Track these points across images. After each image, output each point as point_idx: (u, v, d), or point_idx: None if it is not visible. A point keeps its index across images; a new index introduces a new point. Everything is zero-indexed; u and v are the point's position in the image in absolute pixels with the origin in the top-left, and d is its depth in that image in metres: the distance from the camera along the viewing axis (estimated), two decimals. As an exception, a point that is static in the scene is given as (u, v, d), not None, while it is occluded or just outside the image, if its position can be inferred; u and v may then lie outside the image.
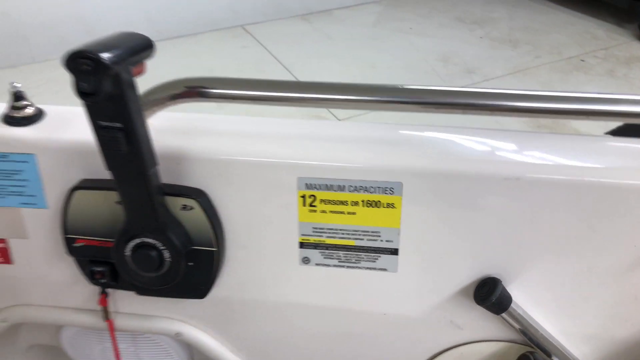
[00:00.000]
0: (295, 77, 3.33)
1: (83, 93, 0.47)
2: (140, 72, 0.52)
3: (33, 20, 3.80)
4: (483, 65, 3.35)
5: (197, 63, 3.62)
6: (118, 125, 0.51)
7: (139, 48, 0.50)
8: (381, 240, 0.62)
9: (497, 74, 3.26)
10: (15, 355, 0.87)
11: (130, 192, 0.57)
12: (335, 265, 0.65)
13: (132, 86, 0.51)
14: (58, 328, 0.81)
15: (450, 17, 4.07)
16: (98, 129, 0.51)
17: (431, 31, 3.86)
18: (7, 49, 3.77)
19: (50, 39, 3.86)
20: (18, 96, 0.64)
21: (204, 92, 0.58)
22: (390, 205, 0.60)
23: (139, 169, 0.55)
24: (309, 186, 0.60)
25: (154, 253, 0.61)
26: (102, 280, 0.67)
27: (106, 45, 0.47)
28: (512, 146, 0.61)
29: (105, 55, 0.46)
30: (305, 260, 0.65)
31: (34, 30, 3.80)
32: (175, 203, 0.61)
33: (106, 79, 0.47)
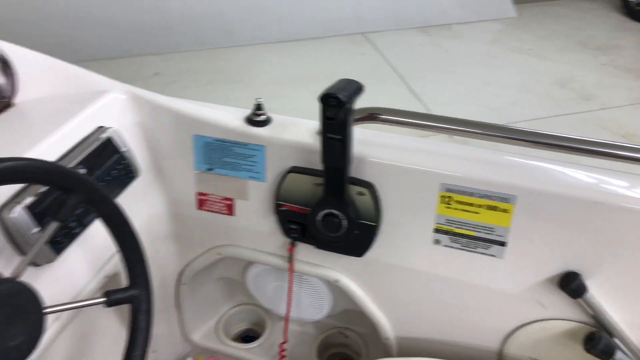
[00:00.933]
0: (409, 87, 3.57)
1: (328, 117, 0.78)
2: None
3: (179, 14, 4.34)
4: (602, 93, 3.36)
5: (319, 66, 3.99)
6: (339, 137, 0.81)
7: (356, 90, 0.81)
8: (494, 234, 0.88)
9: (616, 104, 3.26)
10: (209, 282, 1.22)
11: (331, 179, 0.88)
12: (458, 248, 0.92)
13: (351, 114, 0.81)
14: (247, 266, 1.15)
15: (573, 41, 4.09)
16: (326, 139, 0.82)
17: (550, 54, 3.92)
18: (156, 38, 4.35)
19: (192, 32, 4.40)
20: (258, 106, 0.98)
21: (380, 117, 0.87)
22: (505, 210, 0.86)
23: (342, 166, 0.85)
24: (448, 189, 0.88)
25: (336, 220, 0.91)
26: (294, 235, 0.99)
27: (343, 90, 0.78)
28: (600, 178, 0.84)
29: (343, 96, 0.77)
30: (437, 242, 0.93)
31: (179, 23, 4.34)
32: (354, 189, 0.91)
33: (342, 111, 0.77)
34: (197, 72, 4.05)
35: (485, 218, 0.88)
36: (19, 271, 0.69)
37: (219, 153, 1.00)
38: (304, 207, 0.95)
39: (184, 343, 1.24)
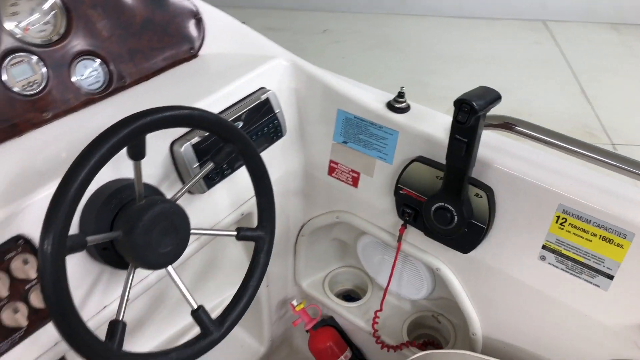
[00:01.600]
0: (580, 87, 3.31)
1: (458, 121, 0.83)
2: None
3: None
4: None
5: (488, 49, 3.84)
6: (465, 140, 0.86)
7: (493, 101, 0.84)
8: (603, 266, 0.87)
9: None
10: (324, 240, 1.35)
11: (451, 176, 0.93)
12: (562, 269, 0.92)
13: (482, 122, 0.85)
14: (359, 234, 1.25)
15: None
16: (453, 139, 0.87)
17: None
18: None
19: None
20: (400, 94, 1.05)
21: (514, 128, 0.89)
22: (619, 245, 0.84)
23: (463, 167, 0.90)
24: (565, 211, 0.88)
25: (448, 215, 0.96)
26: (407, 218, 1.06)
27: (479, 98, 0.82)
28: None
29: (477, 105, 0.81)
30: (542, 258, 0.94)
31: None
32: (472, 190, 0.95)
33: (473, 117, 0.82)
34: (363, 34, 4.15)
35: (598, 247, 0.87)
36: (178, 196, 0.86)
37: (356, 129, 1.09)
38: (421, 195, 1.02)
39: (293, 286, 1.40)
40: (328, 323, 1.38)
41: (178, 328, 1.14)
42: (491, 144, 0.96)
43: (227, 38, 1.15)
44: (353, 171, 1.13)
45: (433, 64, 3.69)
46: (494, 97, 0.84)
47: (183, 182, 0.96)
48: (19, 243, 0.76)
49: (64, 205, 0.67)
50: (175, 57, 1.08)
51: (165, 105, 0.77)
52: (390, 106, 1.05)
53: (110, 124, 0.72)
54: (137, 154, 0.77)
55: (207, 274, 1.19)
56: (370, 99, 1.08)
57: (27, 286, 0.78)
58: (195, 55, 1.12)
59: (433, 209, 0.98)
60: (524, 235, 0.95)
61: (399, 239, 1.11)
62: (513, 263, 0.98)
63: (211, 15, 1.13)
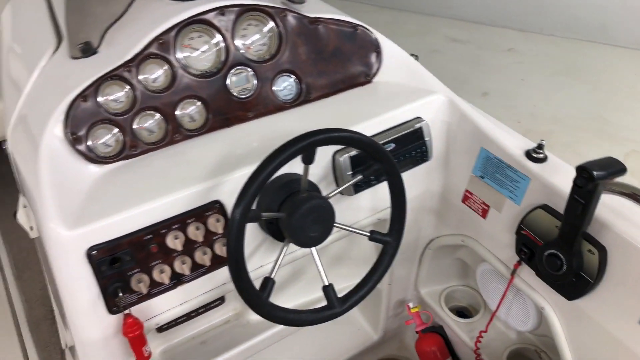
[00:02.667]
0: None
1: (577, 184, 0.94)
2: None
3: None
4: None
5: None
6: (582, 201, 0.96)
7: (615, 173, 0.92)
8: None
9: None
10: (448, 257, 1.50)
11: (567, 229, 1.03)
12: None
13: (600, 189, 0.94)
14: (479, 260, 1.38)
15: None
16: (571, 198, 0.97)
17: None
18: (524, 14, 4.37)
19: (563, 17, 4.25)
20: (540, 146, 1.15)
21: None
22: None
23: (578, 224, 0.99)
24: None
25: (559, 262, 1.06)
26: (522, 256, 1.17)
27: (602, 168, 0.91)
28: None
29: (597, 174, 0.91)
30: (643, 325, 0.99)
31: (553, 4, 4.24)
32: (586, 245, 1.04)
33: (591, 184, 0.92)
34: (551, 58, 4.03)
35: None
36: (331, 195, 1.09)
37: (494, 168, 1.22)
38: (538, 239, 1.12)
39: (413, 290, 1.58)
40: (437, 330, 1.53)
41: (310, 298, 1.40)
42: (614, 206, 1.03)
43: (398, 69, 1.35)
44: (484, 204, 1.27)
45: (622, 101, 3.47)
46: (617, 170, 0.93)
47: (337, 184, 1.19)
48: (216, 206, 1.06)
49: (253, 188, 0.94)
50: (353, 81, 1.32)
51: (336, 127, 1.01)
52: (529, 154, 1.17)
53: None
54: (309, 160, 1.01)
55: (340, 261, 1.43)
56: (512, 144, 1.20)
57: (215, 237, 1.08)
58: (369, 81, 1.34)
59: (546, 254, 1.08)
60: (630, 298, 1.01)
61: (513, 273, 1.22)
62: (614, 321, 1.04)
63: (389, 49, 1.34)
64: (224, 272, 1.12)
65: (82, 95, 1.04)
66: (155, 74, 1.12)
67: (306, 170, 1.04)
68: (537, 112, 3.57)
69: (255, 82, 1.21)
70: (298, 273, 1.35)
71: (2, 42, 1.52)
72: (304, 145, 0.96)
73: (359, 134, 1.02)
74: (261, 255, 1.17)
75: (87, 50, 1.14)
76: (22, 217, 1.26)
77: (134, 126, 1.10)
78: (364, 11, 4.96)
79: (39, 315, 1.74)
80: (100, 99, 1.06)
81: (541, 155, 1.16)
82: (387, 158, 1.07)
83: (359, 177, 1.11)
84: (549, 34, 4.36)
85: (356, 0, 5.07)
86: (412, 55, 1.40)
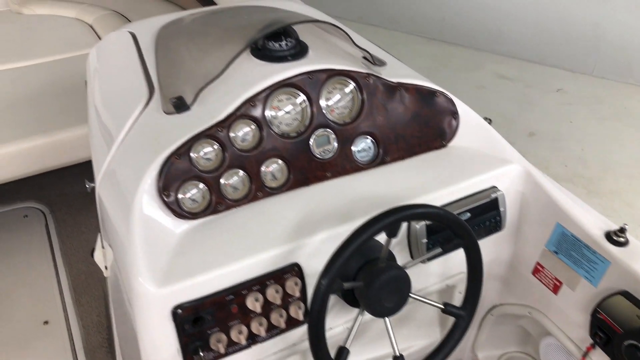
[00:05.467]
0: None
1: None
2: None
3: (614, 39, 4.16)
4: None
5: None
6: None
7: None
8: None
9: None
10: (510, 324, 1.48)
11: None
12: None
13: None
14: (545, 333, 1.36)
15: None
16: None
17: None
18: (574, 55, 4.33)
19: (620, 60, 4.20)
20: (622, 229, 1.14)
21: None
22: None
23: None
24: None
25: (638, 354, 1.04)
26: (597, 340, 1.15)
27: None
28: None
29: None
30: None
31: (609, 46, 4.19)
32: None
33: None
34: (601, 102, 3.96)
35: None
36: (409, 266, 1.10)
37: (570, 245, 1.21)
38: (617, 326, 1.10)
39: (469, 352, 1.56)
40: (492, 395, 1.51)
41: (372, 356, 1.40)
42: None
43: (473, 135, 1.36)
44: (557, 279, 1.25)
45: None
46: None
47: (410, 248, 1.20)
48: (295, 269, 1.08)
49: (339, 262, 0.95)
50: (428, 145, 1.32)
51: (418, 199, 1.01)
52: (609, 236, 1.15)
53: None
54: (393, 233, 1.02)
55: (403, 321, 1.43)
56: (591, 223, 1.19)
57: (290, 299, 1.09)
58: (444, 146, 1.34)
59: (626, 344, 1.07)
60: None
61: (584, 355, 1.20)
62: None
63: (465, 114, 1.34)
64: (296, 333, 1.13)
65: (177, 153, 1.08)
66: (244, 134, 1.15)
67: (388, 242, 1.05)
68: (585, 156, 3.51)
69: (335, 144, 1.22)
70: (363, 330, 1.35)
71: (89, 82, 1.58)
72: (392, 221, 0.98)
73: (447, 212, 1.03)
74: (331, 318, 1.18)
75: (180, 106, 1.17)
76: (98, 256, 1.29)
77: (221, 183, 1.13)
78: (412, 42, 4.99)
79: (95, 342, 1.78)
80: (192, 156, 1.10)
81: (622, 239, 1.14)
82: (469, 234, 1.07)
83: (439, 250, 1.12)
84: (600, 76, 4.31)
85: (405, 31, 5.10)
86: (485, 118, 1.41)
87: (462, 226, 1.05)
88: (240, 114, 1.13)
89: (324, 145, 1.22)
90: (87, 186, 1.37)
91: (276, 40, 1.23)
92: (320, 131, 1.21)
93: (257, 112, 1.15)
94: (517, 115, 3.93)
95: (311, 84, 1.19)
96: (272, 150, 1.17)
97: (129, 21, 2.59)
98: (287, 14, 1.38)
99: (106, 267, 1.31)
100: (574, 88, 4.22)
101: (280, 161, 1.18)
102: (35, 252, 2.10)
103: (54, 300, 1.93)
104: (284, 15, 1.34)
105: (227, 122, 1.12)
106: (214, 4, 2.48)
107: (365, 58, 1.32)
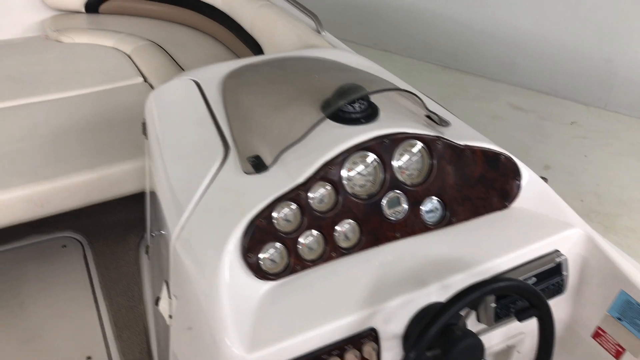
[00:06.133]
0: None
1: None
2: None
3: (629, 73, 4.23)
4: None
5: None
6: None
7: None
8: None
9: None
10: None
11: None
12: None
13: None
14: None
15: None
16: None
17: None
18: (588, 89, 4.41)
19: (631, 95, 4.27)
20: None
21: None
22: None
23: None
24: None
25: None
26: None
27: None
28: None
29: None
30: None
31: (625, 81, 4.26)
32: None
33: None
34: (616, 137, 4.02)
35: None
36: (481, 331, 1.12)
37: (635, 313, 1.24)
38: None
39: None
40: None
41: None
42: None
43: (533, 196, 1.39)
44: (619, 346, 1.28)
45: None
46: None
47: (478, 313, 1.22)
48: (372, 334, 1.10)
49: (429, 335, 0.98)
50: (492, 207, 1.35)
51: (500, 276, 1.04)
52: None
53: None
54: (475, 305, 1.05)
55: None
56: None
57: None
58: (506, 207, 1.38)
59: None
60: None
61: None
62: None
63: (528, 177, 1.38)
64: None
65: (261, 215, 1.10)
66: (321, 195, 1.17)
67: (468, 312, 1.07)
68: (601, 191, 3.57)
69: (406, 205, 1.25)
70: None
71: (150, 128, 1.59)
72: (478, 296, 1.00)
73: (528, 286, 1.06)
74: None
75: (259, 166, 1.20)
76: (164, 305, 1.31)
77: (298, 244, 1.15)
78: (426, 70, 5.05)
79: (138, 380, 1.79)
80: (274, 218, 1.12)
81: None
82: (544, 305, 1.10)
83: (512, 319, 1.14)
84: (613, 110, 4.38)
85: (419, 58, 5.17)
86: (542, 178, 1.44)
87: (539, 298, 1.08)
88: (319, 177, 1.16)
89: (395, 206, 1.25)
90: (152, 234, 1.39)
91: (349, 102, 1.26)
92: (392, 193, 1.24)
93: (333, 174, 1.17)
94: (532, 147, 3.99)
95: (385, 147, 1.22)
96: (347, 211, 1.19)
97: (166, 52, 2.62)
98: (359, 75, 1.41)
99: (170, 316, 1.33)
100: (588, 121, 4.29)
101: (352, 222, 1.21)
102: (74, 284, 2.10)
103: (95, 335, 1.93)
104: (357, 78, 1.38)
105: (307, 185, 1.15)
106: (254, 39, 2.52)
107: (429, 117, 1.36)
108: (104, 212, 2.36)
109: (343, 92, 1.26)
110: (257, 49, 2.48)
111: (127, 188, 1.98)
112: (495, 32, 4.64)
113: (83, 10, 3.02)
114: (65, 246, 2.24)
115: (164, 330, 1.49)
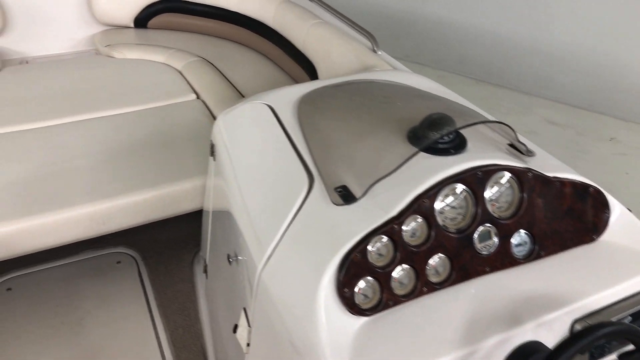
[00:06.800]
0: None
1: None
2: None
3: None
4: None
5: None
6: None
7: None
8: None
9: None
10: None
11: None
12: None
13: None
14: None
15: None
16: None
17: None
18: (631, 105, 4.34)
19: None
20: None
21: None
22: None
23: None
24: None
25: None
26: None
27: None
28: None
29: None
30: None
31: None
32: None
33: None
34: (656, 155, 3.96)
35: None
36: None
37: None
38: None
39: None
40: None
41: None
42: None
43: (622, 229, 1.36)
44: None
45: None
46: None
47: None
48: None
49: None
50: (580, 240, 1.33)
51: (609, 318, 1.01)
52: None
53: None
54: (585, 349, 1.02)
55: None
56: None
57: None
58: (594, 240, 1.35)
59: None
60: None
61: None
62: None
63: (616, 209, 1.35)
64: None
65: (356, 248, 1.09)
66: (413, 229, 1.15)
67: (574, 356, 1.05)
68: (644, 210, 3.50)
69: (496, 239, 1.23)
70: None
71: (219, 151, 1.59)
72: (589, 342, 0.98)
73: (637, 329, 1.03)
74: None
75: (348, 198, 1.19)
76: (242, 333, 1.30)
77: (391, 278, 1.13)
78: (460, 83, 5.02)
79: (200, 403, 1.78)
80: (368, 252, 1.11)
81: None
82: None
83: (613, 357, 1.12)
84: (653, 126, 4.31)
85: (451, 71, 5.14)
86: (627, 209, 1.41)
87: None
88: (412, 210, 1.14)
89: (485, 240, 1.22)
90: (230, 260, 1.38)
91: (437, 131, 1.24)
92: (483, 226, 1.22)
93: (426, 207, 1.16)
94: (570, 164, 3.91)
95: (477, 179, 1.20)
96: (439, 245, 1.17)
97: (216, 69, 2.63)
98: (441, 103, 1.40)
99: (248, 344, 1.31)
100: (627, 138, 4.22)
101: (443, 256, 1.19)
102: (130, 301, 2.09)
103: (154, 355, 1.92)
104: (441, 106, 1.36)
105: (401, 218, 1.13)
106: (305, 57, 2.51)
107: (513, 146, 1.34)
108: (156, 228, 2.36)
109: (433, 123, 1.24)
110: (309, 67, 2.47)
111: (185, 206, 1.98)
112: (532, 47, 4.60)
113: (132, 25, 3.04)
114: (119, 262, 2.24)
115: (236, 357, 1.48)
